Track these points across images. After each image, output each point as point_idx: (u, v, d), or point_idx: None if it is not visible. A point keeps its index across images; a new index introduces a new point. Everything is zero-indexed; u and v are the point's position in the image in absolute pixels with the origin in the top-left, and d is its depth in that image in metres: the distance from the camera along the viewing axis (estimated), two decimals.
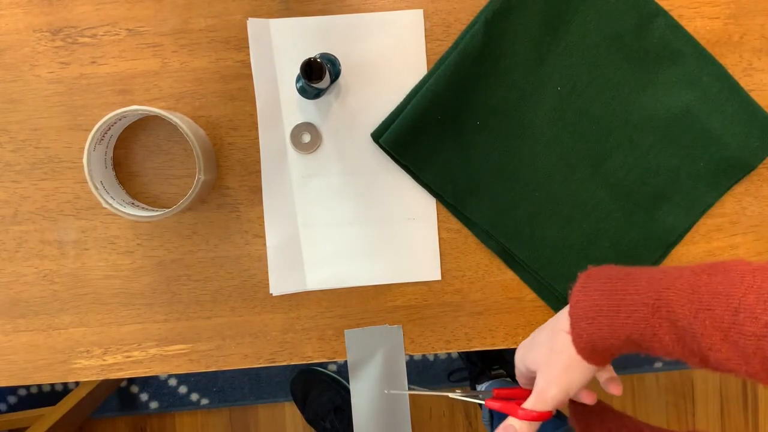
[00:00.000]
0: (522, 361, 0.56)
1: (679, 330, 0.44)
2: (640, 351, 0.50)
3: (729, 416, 1.45)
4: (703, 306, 0.42)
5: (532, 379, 0.55)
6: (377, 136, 0.64)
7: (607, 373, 0.57)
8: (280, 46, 0.64)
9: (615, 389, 0.56)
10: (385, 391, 0.66)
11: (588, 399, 0.56)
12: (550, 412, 0.52)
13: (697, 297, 0.43)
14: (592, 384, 0.55)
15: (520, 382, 0.59)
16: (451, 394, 0.63)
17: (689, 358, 0.45)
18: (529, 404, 0.52)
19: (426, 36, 0.64)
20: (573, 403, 0.59)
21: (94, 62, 0.63)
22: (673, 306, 0.44)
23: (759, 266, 0.42)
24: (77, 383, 1.30)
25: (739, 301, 0.40)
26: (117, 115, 0.56)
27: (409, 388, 0.67)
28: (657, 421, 1.44)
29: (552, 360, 0.52)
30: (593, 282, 0.50)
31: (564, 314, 0.52)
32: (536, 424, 0.52)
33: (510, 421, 0.53)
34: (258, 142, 0.65)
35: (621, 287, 0.48)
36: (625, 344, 0.48)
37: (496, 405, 0.56)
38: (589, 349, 0.50)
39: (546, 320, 0.59)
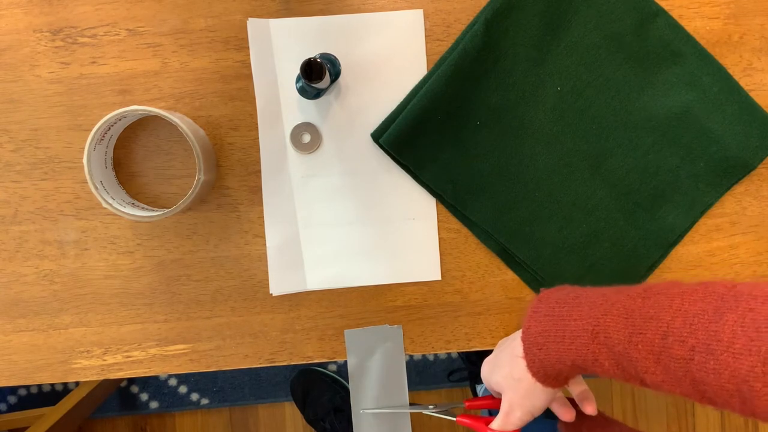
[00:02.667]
0: (487, 381, 0.58)
1: (616, 355, 0.45)
2: (587, 374, 0.51)
3: (729, 416, 1.45)
4: (636, 330, 0.43)
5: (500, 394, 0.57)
6: (377, 136, 0.64)
7: (579, 387, 0.58)
8: (280, 46, 0.64)
9: (589, 408, 0.57)
10: (360, 411, 0.67)
11: (589, 408, 0.57)
12: (518, 429, 0.55)
13: (630, 322, 0.44)
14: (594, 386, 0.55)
15: (493, 395, 0.60)
16: (425, 411, 0.64)
17: (630, 380, 0.46)
18: (497, 425, 0.55)
19: (426, 36, 0.64)
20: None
21: (94, 62, 0.63)
22: (610, 332, 0.45)
23: (688, 288, 0.43)
24: (77, 383, 1.30)
25: (667, 325, 0.41)
26: (117, 115, 0.56)
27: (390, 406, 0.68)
28: (657, 421, 1.44)
29: (513, 385, 0.54)
30: (543, 307, 0.52)
31: (518, 339, 0.53)
32: None
33: None
34: (258, 142, 0.65)
35: (566, 313, 0.49)
36: (572, 369, 0.50)
37: (466, 422, 0.57)
38: (542, 373, 0.51)
39: None
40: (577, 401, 0.59)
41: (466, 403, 0.62)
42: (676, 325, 0.41)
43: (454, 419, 0.61)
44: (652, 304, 0.43)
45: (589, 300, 0.49)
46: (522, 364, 0.52)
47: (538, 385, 0.52)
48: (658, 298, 0.43)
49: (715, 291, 0.41)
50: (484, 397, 0.61)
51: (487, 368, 0.58)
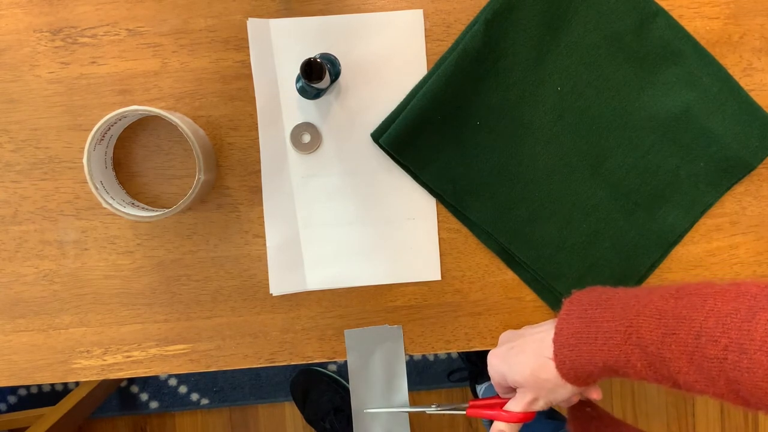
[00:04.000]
0: (503, 376, 0.57)
1: (649, 356, 0.45)
2: (618, 376, 0.51)
3: (729, 416, 1.45)
4: (669, 331, 0.43)
5: (510, 389, 0.57)
6: (377, 136, 0.64)
7: None
8: (280, 46, 0.64)
9: (595, 394, 0.57)
10: (364, 411, 0.66)
11: (595, 394, 0.57)
12: (533, 413, 0.55)
13: (663, 322, 0.44)
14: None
15: (497, 390, 0.60)
16: (428, 410, 0.63)
17: (662, 382, 0.46)
18: (517, 407, 0.55)
19: (426, 36, 0.64)
20: (571, 409, 0.60)
21: (94, 62, 0.63)
22: (642, 332, 0.45)
23: (720, 289, 0.43)
24: (77, 383, 1.30)
25: (700, 325, 0.41)
26: (117, 115, 0.56)
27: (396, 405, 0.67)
28: (657, 421, 1.44)
29: (538, 383, 0.54)
30: (576, 309, 0.52)
31: (548, 340, 0.53)
32: (519, 426, 0.55)
33: (499, 426, 0.55)
34: (258, 142, 0.65)
35: (599, 315, 0.50)
36: (604, 371, 0.50)
37: (479, 413, 0.57)
38: (573, 375, 0.51)
39: (544, 320, 0.59)
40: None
41: (471, 403, 0.61)
42: (709, 325, 0.41)
43: (464, 413, 0.60)
44: (684, 305, 0.43)
45: (621, 301, 0.49)
46: (551, 365, 0.52)
47: (566, 384, 0.52)
48: (691, 299, 0.43)
49: (749, 291, 0.41)
50: (488, 398, 0.61)
51: (497, 362, 0.57)
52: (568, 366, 0.51)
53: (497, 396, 0.60)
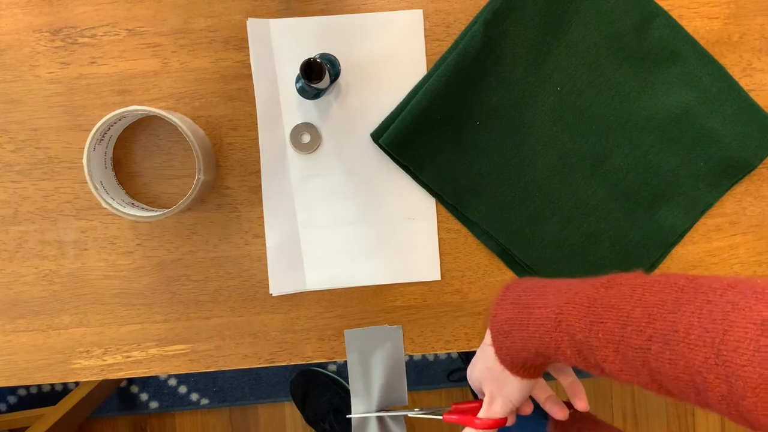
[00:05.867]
0: (470, 378, 0.59)
1: (577, 343, 0.45)
2: (550, 363, 0.51)
3: None
4: (597, 319, 0.43)
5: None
6: (377, 136, 0.64)
7: (567, 378, 0.59)
8: (280, 46, 0.64)
9: (579, 403, 0.58)
10: (348, 417, 0.67)
11: (558, 414, 0.57)
12: (504, 418, 0.55)
13: (592, 310, 0.44)
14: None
15: (478, 396, 0.60)
16: (410, 413, 0.64)
17: (590, 369, 0.46)
18: (482, 414, 0.55)
19: (426, 36, 0.64)
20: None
21: (94, 62, 0.63)
22: (571, 320, 0.45)
23: (650, 280, 0.43)
24: (77, 383, 1.30)
25: (627, 315, 0.41)
26: (117, 115, 0.56)
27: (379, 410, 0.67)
28: (657, 421, 1.44)
29: (489, 375, 0.54)
30: (510, 294, 0.52)
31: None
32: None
33: (467, 431, 0.56)
34: (258, 142, 0.65)
35: (532, 301, 0.50)
36: (537, 357, 0.50)
37: (453, 419, 0.58)
38: (509, 361, 0.52)
39: None
40: (568, 395, 0.59)
41: (453, 407, 0.62)
42: (636, 315, 0.41)
43: (441, 418, 0.61)
44: (614, 294, 0.44)
45: (554, 288, 0.49)
46: (491, 351, 0.53)
47: (507, 373, 0.53)
48: (621, 288, 0.44)
49: (676, 282, 0.41)
50: (471, 401, 0.61)
51: (470, 368, 0.59)
52: (504, 352, 0.52)
53: (479, 400, 0.60)
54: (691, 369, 0.37)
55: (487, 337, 0.53)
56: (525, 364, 0.51)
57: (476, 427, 0.55)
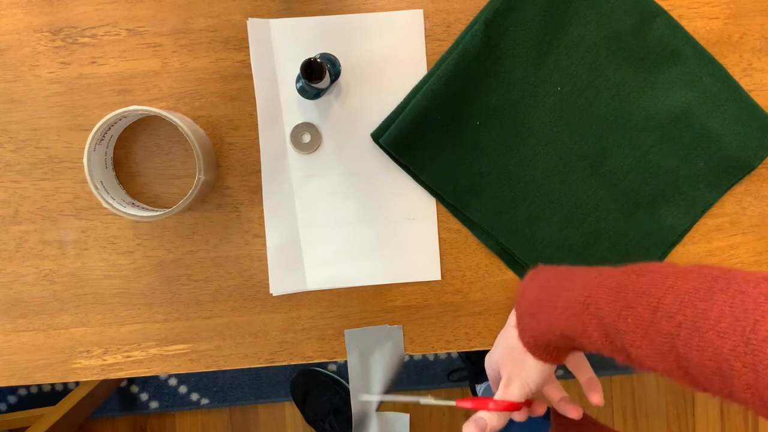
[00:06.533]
0: (488, 363, 0.59)
1: (605, 326, 0.45)
2: (575, 347, 0.51)
3: (729, 416, 1.45)
4: (626, 304, 0.44)
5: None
6: (377, 136, 0.64)
7: (586, 374, 0.59)
8: (280, 46, 0.64)
9: (595, 397, 0.58)
10: (358, 398, 0.66)
11: (573, 413, 0.57)
12: (520, 403, 0.54)
13: (622, 295, 0.44)
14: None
15: (493, 389, 0.60)
16: (422, 400, 0.63)
17: (615, 354, 0.46)
18: (498, 395, 0.55)
19: (426, 36, 0.64)
20: (554, 415, 0.60)
21: (94, 62, 0.63)
22: (601, 303, 0.46)
23: (683, 269, 0.43)
24: (77, 383, 1.30)
25: (658, 301, 0.42)
26: (117, 115, 0.56)
27: (384, 393, 0.67)
28: (657, 421, 1.44)
29: (509, 356, 0.55)
30: (538, 278, 0.53)
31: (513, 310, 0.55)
32: (506, 415, 0.54)
33: (479, 414, 0.55)
34: (258, 142, 0.65)
35: (559, 284, 0.50)
36: (561, 339, 0.50)
37: (467, 404, 0.57)
38: (532, 343, 0.52)
39: None
40: (584, 390, 0.59)
41: (458, 402, 0.61)
42: (667, 301, 0.41)
43: (453, 403, 0.60)
44: (645, 281, 0.44)
45: (584, 273, 0.49)
46: (514, 333, 0.53)
47: (528, 356, 0.53)
48: (653, 276, 0.44)
49: (710, 273, 0.41)
50: (482, 398, 0.61)
51: (489, 353, 0.59)
52: (528, 333, 0.52)
53: (487, 398, 0.60)
54: (719, 356, 0.37)
55: (511, 319, 0.54)
56: (548, 346, 0.52)
57: (490, 410, 0.54)
